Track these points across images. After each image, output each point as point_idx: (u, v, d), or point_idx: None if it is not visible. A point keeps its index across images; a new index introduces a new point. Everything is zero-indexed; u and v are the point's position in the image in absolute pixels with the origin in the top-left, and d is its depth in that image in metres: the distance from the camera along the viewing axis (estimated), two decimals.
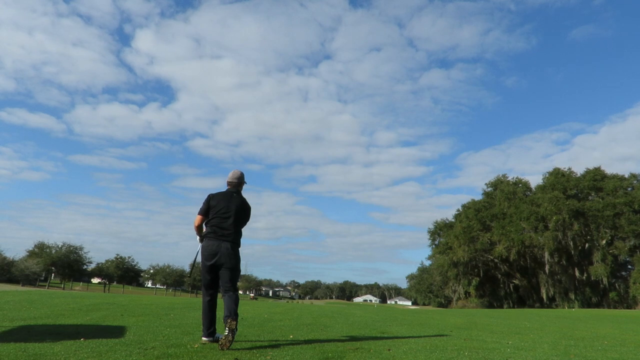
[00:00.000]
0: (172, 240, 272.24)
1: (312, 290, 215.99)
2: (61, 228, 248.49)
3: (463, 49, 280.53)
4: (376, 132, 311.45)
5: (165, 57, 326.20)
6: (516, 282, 66.30)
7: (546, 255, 58.71)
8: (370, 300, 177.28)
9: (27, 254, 64.52)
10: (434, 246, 75.95)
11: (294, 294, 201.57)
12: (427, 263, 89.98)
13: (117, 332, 5.36)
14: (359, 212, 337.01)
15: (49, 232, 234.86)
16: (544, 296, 61.15)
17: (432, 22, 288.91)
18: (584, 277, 59.46)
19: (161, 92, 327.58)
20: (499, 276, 67.20)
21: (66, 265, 64.08)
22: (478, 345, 5.56)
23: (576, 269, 60.25)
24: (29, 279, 59.38)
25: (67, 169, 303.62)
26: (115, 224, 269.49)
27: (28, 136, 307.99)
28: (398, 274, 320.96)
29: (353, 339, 5.71)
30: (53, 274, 68.67)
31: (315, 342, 5.14)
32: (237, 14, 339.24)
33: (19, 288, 32.69)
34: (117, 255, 76.69)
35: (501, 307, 63.96)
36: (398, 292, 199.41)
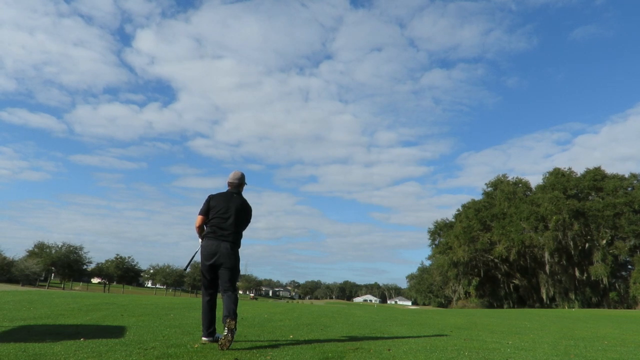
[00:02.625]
0: (172, 240, 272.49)
1: (312, 290, 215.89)
2: (61, 228, 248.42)
3: (464, 49, 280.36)
4: (377, 132, 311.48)
5: (166, 57, 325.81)
6: (516, 282, 66.30)
7: (546, 255, 58.72)
8: (370, 300, 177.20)
9: (27, 254, 64.59)
10: (434, 246, 76.09)
11: (294, 294, 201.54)
12: (427, 263, 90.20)
13: (117, 332, 5.36)
14: (359, 212, 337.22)
15: (49, 232, 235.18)
16: (544, 296, 61.16)
17: (433, 22, 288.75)
18: (584, 277, 59.47)
19: (162, 92, 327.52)
20: (499, 276, 67.20)
21: (66, 265, 64.15)
22: (478, 345, 5.56)
23: (576, 269, 60.25)
24: (29, 279, 59.43)
25: (68, 169, 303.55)
26: (115, 224, 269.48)
27: (28, 136, 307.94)
28: (398, 274, 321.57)
29: (353, 339, 5.71)
30: (53, 274, 68.71)
31: (315, 342, 5.14)
32: (238, 14, 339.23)
33: (19, 288, 32.70)
34: (117, 255, 76.84)
35: (501, 307, 63.94)
36: (398, 292, 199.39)
